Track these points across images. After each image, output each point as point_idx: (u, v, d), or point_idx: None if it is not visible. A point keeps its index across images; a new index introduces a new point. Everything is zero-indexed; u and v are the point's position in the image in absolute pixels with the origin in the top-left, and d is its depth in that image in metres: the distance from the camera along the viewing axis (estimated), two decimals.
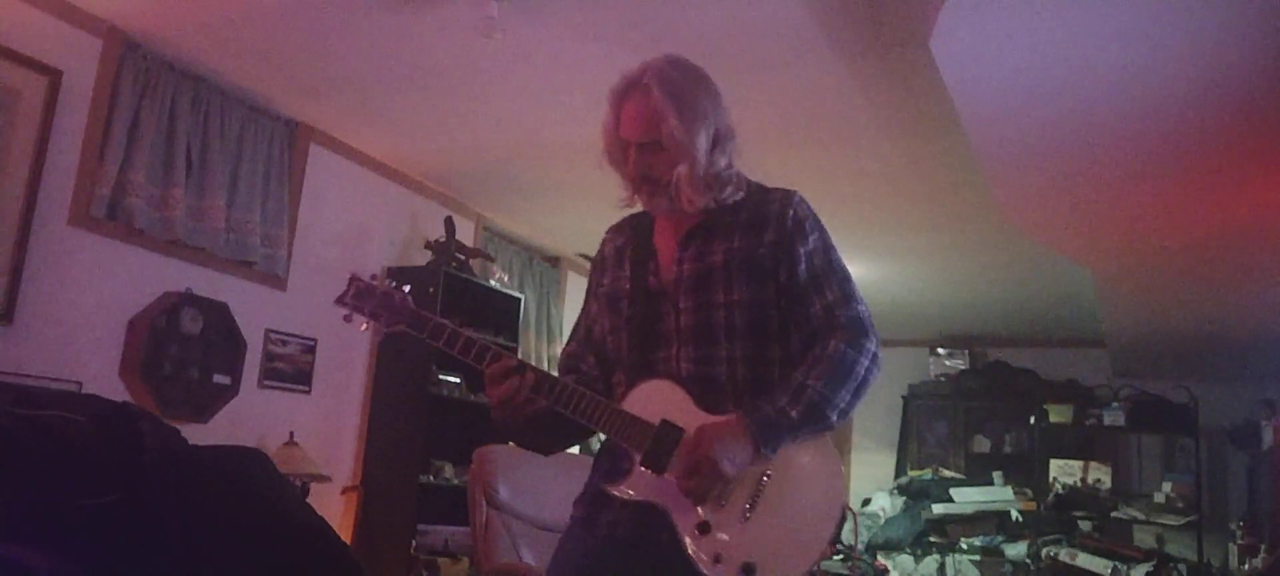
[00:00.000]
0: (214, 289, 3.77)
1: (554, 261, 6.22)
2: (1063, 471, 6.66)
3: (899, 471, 7.48)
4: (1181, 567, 5.84)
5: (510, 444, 5.08)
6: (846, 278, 1.65)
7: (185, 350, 3.62)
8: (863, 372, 1.58)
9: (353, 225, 4.55)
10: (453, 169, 4.72)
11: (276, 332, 4.09)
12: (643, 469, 1.55)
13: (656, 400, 1.58)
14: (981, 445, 7.32)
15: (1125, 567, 5.69)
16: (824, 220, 1.72)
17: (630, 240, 1.76)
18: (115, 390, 3.36)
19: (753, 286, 1.61)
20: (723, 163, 1.64)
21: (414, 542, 4.25)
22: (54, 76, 3.17)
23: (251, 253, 3.90)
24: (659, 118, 1.57)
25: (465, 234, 5.07)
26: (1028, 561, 6.07)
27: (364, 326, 1.67)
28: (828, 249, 1.66)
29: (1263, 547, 5.40)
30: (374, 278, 1.69)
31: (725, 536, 1.51)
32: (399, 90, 3.75)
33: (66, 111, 3.22)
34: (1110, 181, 3.42)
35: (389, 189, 4.75)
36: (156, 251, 3.57)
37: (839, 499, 1.56)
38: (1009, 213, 3.93)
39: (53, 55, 3.17)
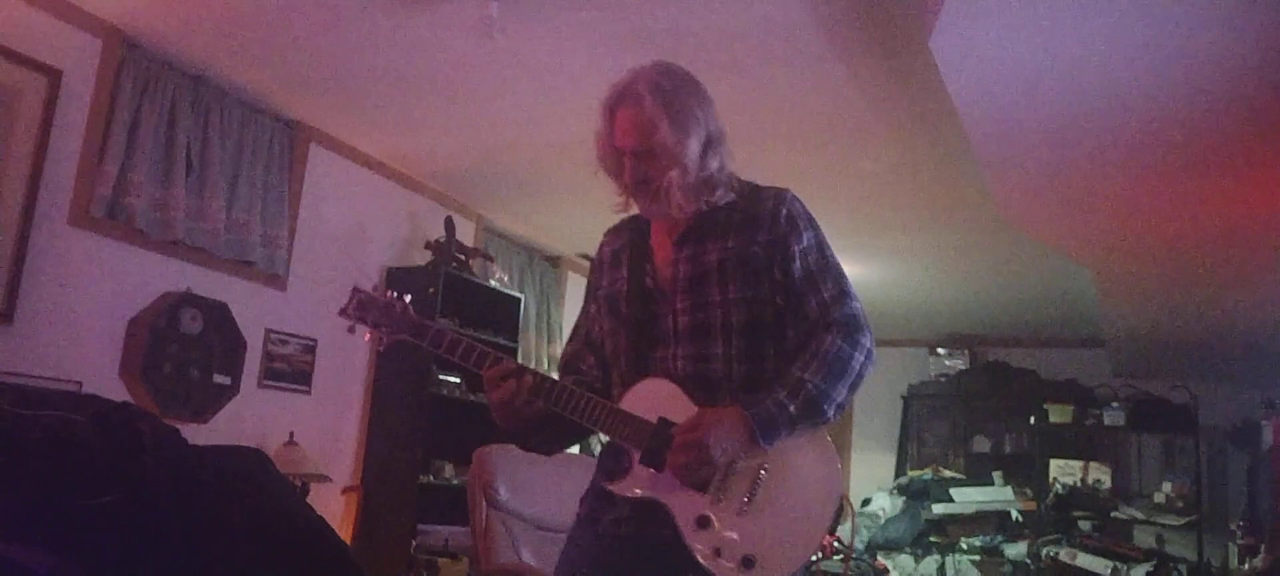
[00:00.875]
0: (214, 289, 3.77)
1: (554, 261, 6.22)
2: (1063, 471, 6.66)
3: (899, 471, 7.48)
4: (1181, 567, 5.85)
5: (512, 444, 5.08)
6: (841, 274, 1.68)
7: (185, 350, 3.62)
8: (858, 368, 1.61)
9: (353, 225, 4.55)
10: (453, 169, 4.72)
11: (276, 332, 4.09)
12: (642, 466, 1.58)
13: (654, 399, 1.61)
14: (981, 445, 7.32)
15: (1125, 567, 5.69)
16: (823, 220, 1.74)
17: (628, 242, 1.78)
18: (115, 390, 3.36)
19: (748, 285, 1.63)
20: (714, 165, 1.67)
21: (414, 542, 4.24)
22: (54, 76, 3.17)
23: (251, 252, 3.90)
24: (651, 126, 1.61)
25: (465, 234, 5.08)
26: (1028, 561, 6.07)
27: (367, 337, 1.72)
28: (822, 246, 1.69)
29: (1262, 547, 5.40)
30: (375, 287, 1.72)
31: (725, 529, 1.54)
32: (399, 90, 3.75)
33: (66, 111, 3.22)
34: (1110, 181, 3.42)
35: (389, 189, 4.75)
36: (156, 251, 3.57)
37: (836, 491, 1.60)
38: (1009, 212, 3.93)
39: (53, 55, 3.17)
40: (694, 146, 1.63)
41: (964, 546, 6.32)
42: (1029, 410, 6.79)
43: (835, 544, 5.07)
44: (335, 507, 4.37)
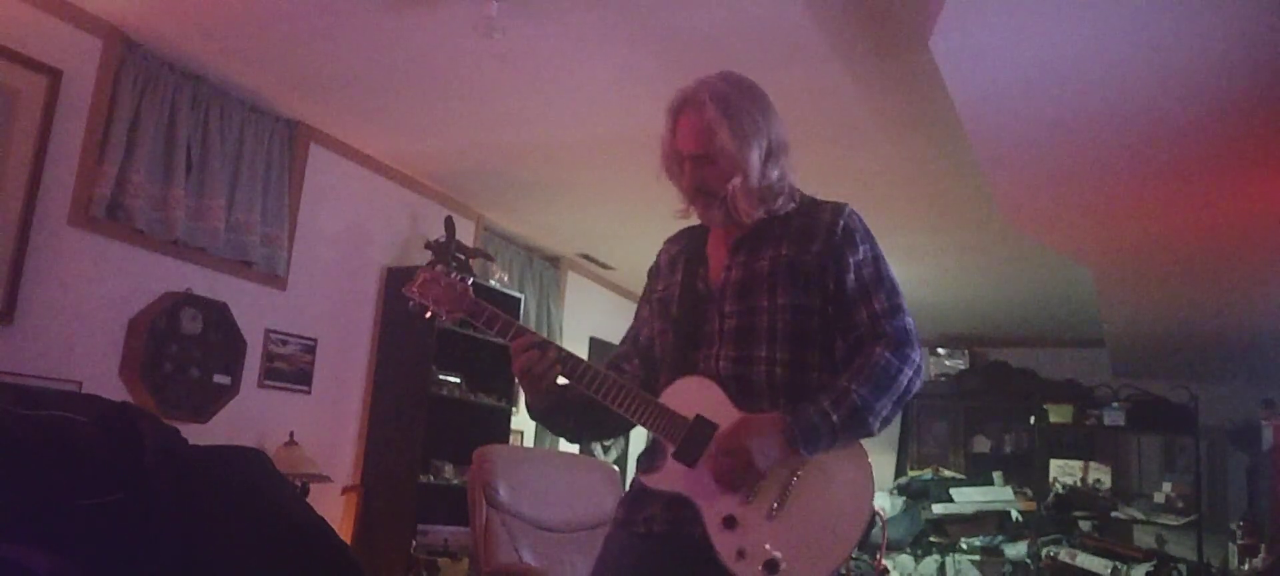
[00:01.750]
0: (214, 289, 3.77)
1: (554, 261, 6.22)
2: (1063, 471, 6.66)
3: (899, 471, 7.48)
4: (1181, 567, 5.85)
5: (512, 444, 5.08)
6: (895, 289, 1.70)
7: (185, 350, 3.62)
8: (906, 383, 1.62)
9: (353, 225, 4.55)
10: (453, 169, 4.73)
11: (276, 332, 4.09)
12: (675, 461, 1.60)
13: (692, 395, 1.63)
14: (981, 445, 7.33)
15: (1125, 567, 5.70)
16: None
17: (684, 249, 1.83)
18: (115, 390, 3.36)
19: (797, 292, 1.65)
20: (775, 174, 1.70)
21: (414, 542, 4.25)
22: (54, 76, 3.17)
23: (251, 252, 3.90)
24: (712, 132, 1.64)
25: (465, 234, 5.08)
26: (1028, 561, 6.07)
27: (428, 314, 1.78)
28: (878, 260, 1.71)
29: (1263, 547, 5.40)
30: (438, 266, 1.78)
31: (751, 532, 1.55)
32: (399, 90, 3.75)
33: (66, 111, 3.22)
34: (1110, 181, 3.42)
35: (389, 189, 4.75)
36: (156, 251, 3.57)
37: (868, 503, 1.60)
38: (1009, 212, 3.93)
39: (53, 55, 3.17)
40: (755, 154, 1.66)
41: (964, 546, 6.33)
42: (1029, 410, 6.79)
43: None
44: (335, 507, 4.37)
